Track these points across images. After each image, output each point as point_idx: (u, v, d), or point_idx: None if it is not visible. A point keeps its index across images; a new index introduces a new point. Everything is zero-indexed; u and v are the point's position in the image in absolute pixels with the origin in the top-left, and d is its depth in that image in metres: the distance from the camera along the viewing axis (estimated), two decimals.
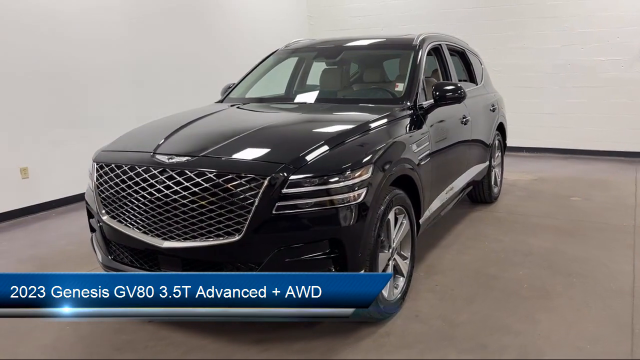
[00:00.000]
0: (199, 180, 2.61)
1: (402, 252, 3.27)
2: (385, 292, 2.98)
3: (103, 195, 2.95)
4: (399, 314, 3.12)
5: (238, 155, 2.73)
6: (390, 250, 3.05)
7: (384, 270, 2.99)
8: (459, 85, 3.77)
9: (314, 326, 2.98)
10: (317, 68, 4.50)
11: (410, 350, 2.75)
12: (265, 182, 2.52)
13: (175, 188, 2.65)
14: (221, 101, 4.22)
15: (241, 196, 2.54)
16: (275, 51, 4.61)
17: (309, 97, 4.22)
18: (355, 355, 2.70)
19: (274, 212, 2.52)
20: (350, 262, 2.63)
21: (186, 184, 2.63)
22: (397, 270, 3.21)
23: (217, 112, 3.71)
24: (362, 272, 2.70)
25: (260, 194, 2.51)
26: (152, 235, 2.75)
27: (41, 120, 5.51)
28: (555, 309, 3.17)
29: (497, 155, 5.58)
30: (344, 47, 4.47)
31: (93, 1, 5.91)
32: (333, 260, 2.63)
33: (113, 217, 2.92)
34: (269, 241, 2.55)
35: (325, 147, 2.76)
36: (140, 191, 2.75)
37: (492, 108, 5.21)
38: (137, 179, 2.77)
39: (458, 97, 3.74)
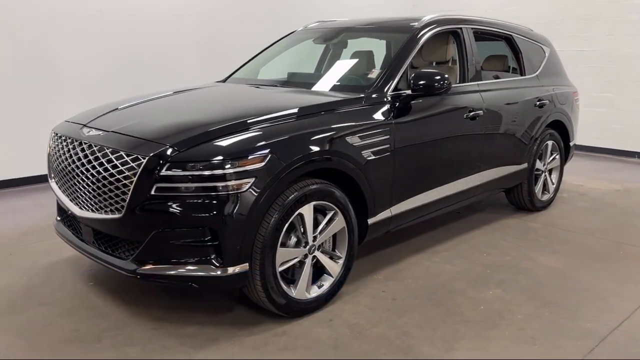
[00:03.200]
0: (98, 154, 2.72)
1: (335, 252, 3.07)
2: (292, 290, 2.84)
3: (51, 162, 3.21)
4: (314, 315, 2.94)
5: (135, 133, 2.77)
6: (308, 247, 2.87)
7: (289, 268, 2.84)
8: (443, 75, 3.36)
9: (222, 314, 2.95)
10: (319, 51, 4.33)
11: (291, 352, 2.60)
12: (144, 162, 2.53)
13: (82, 160, 2.79)
14: (223, 80, 4.28)
15: (125, 174, 2.59)
16: (292, 32, 4.52)
17: (278, 80, 3.98)
18: (232, 348, 2.63)
19: (152, 192, 2.53)
20: (227, 254, 2.55)
21: (90, 157, 2.76)
22: (323, 270, 3.02)
23: (188, 90, 3.76)
24: (244, 266, 2.60)
25: (138, 173, 2.53)
26: (74, 203, 2.93)
27: None
28: (489, 338, 2.73)
29: (551, 157, 4.88)
30: (341, 30, 4.23)
31: None
32: (215, 248, 2.57)
33: (56, 183, 3.17)
34: (148, 222, 2.57)
35: (227, 131, 2.68)
36: (66, 160, 2.94)
37: (538, 103, 4.54)
38: (66, 149, 2.97)
39: (438, 88, 3.34)
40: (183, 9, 6.48)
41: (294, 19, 6.68)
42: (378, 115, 3.20)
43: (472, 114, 3.83)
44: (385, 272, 3.52)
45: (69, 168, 2.91)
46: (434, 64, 4.48)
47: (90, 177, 2.74)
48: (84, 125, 3.03)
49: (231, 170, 2.51)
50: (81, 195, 2.83)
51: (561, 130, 4.96)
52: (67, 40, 5.63)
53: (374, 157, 3.11)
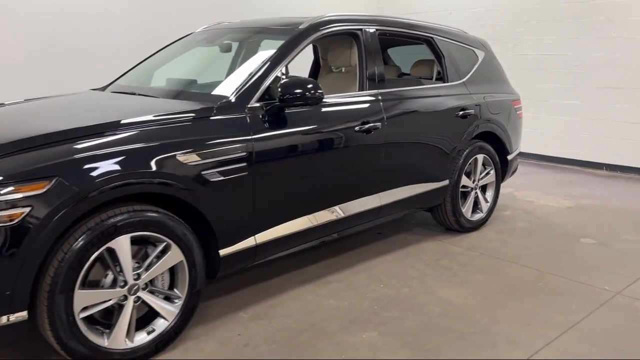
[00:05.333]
0: None
1: (173, 291, 2.63)
2: (105, 339, 2.39)
3: None
4: None
5: None
6: (128, 287, 2.43)
7: (108, 309, 2.41)
8: (315, 84, 2.92)
9: None
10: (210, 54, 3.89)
11: None
12: None
13: None
14: (101, 89, 3.84)
15: None
16: (187, 35, 4.09)
17: (154, 89, 3.52)
18: None
19: None
20: (2, 301, 2.11)
21: None
22: (155, 312, 2.58)
23: (37, 99, 3.35)
24: (20, 315, 2.15)
25: None
26: None
27: None
28: None
29: (483, 173, 4.40)
30: (227, 32, 3.79)
31: None
32: None
33: None
34: None
35: (12, 149, 2.25)
36: None
37: (461, 113, 4.06)
38: None
39: (309, 98, 2.90)
40: (109, 8, 6.06)
41: (231, 17, 6.23)
42: (230, 129, 2.75)
43: (367, 126, 3.37)
44: (255, 309, 3.07)
45: None
46: (342, 70, 4.04)
47: None
48: None
49: (5, 198, 2.07)
50: None
51: (496, 143, 4.48)
52: None
53: (222, 178, 2.66)
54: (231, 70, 3.56)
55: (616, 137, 6.63)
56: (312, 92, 2.89)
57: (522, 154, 7.52)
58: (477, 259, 3.84)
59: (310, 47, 4.18)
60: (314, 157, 3.12)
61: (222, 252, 2.75)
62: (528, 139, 7.42)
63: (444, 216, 4.23)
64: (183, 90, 3.24)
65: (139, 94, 3.29)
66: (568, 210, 5.04)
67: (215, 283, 3.24)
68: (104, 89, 3.76)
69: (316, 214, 3.19)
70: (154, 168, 2.43)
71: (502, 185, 5.70)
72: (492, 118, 4.36)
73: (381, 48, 3.67)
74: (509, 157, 4.61)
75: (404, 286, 3.39)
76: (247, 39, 3.73)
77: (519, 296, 3.25)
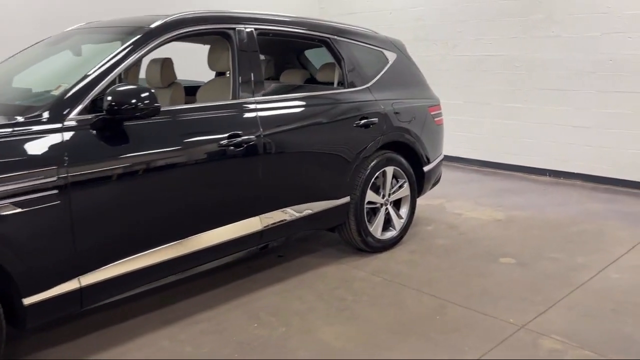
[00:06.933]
0: None
1: None
2: None
3: None
4: None
5: None
6: None
7: None
8: (150, 92, 2.46)
9: None
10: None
11: None
12: None
13: None
14: None
15: None
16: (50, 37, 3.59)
17: None
18: None
19: None
20: None
21: None
22: None
23: None
24: None
25: None
26: None
27: None
28: None
29: (396, 186, 3.98)
30: (74, 33, 3.32)
31: None
32: None
33: None
34: None
35: None
36: None
37: (362, 122, 3.63)
38: None
39: (142, 109, 2.43)
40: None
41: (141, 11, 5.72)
42: (36, 149, 2.27)
43: (238, 140, 2.91)
44: None
45: None
46: (227, 75, 3.58)
47: None
48: None
49: None
50: None
51: (409, 153, 4.06)
52: None
53: (19, 211, 2.18)
54: (69, 77, 3.06)
55: (560, 141, 6.27)
56: (143, 102, 2.42)
57: (463, 161, 7.17)
58: (378, 286, 3.40)
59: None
60: (159, 179, 2.65)
61: (28, 300, 2.26)
62: (470, 144, 7.07)
63: (349, 236, 3.79)
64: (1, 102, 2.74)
65: None
66: (496, 224, 4.63)
67: (64, 325, 2.77)
68: None
69: (167, 246, 2.71)
70: None
71: (433, 196, 5.33)
72: (402, 126, 3.93)
73: (289, 50, 3.24)
74: (426, 169, 4.19)
75: (282, 325, 2.93)
76: (99, 41, 3.25)
77: (408, 334, 2.82)
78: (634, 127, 5.65)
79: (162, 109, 2.60)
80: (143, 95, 2.43)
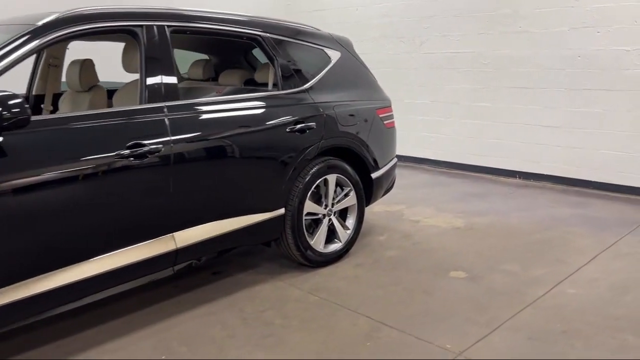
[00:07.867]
0: None
1: None
2: None
3: None
4: None
5: None
6: None
7: None
8: (19, 100, 2.14)
9: None
10: None
11: None
12: None
13: None
14: None
15: None
16: None
17: None
18: None
19: None
20: None
21: None
22: None
23: None
24: None
25: None
26: None
27: None
28: None
29: (341, 195, 3.70)
30: None
31: None
32: None
33: None
34: None
35: None
36: None
37: (296, 127, 3.34)
38: None
39: (8, 118, 2.12)
40: None
41: None
42: None
43: (141, 150, 2.61)
44: None
45: None
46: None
47: None
48: None
49: None
50: None
51: (355, 160, 3.77)
52: None
53: None
54: None
55: (529, 141, 6.01)
56: (11, 111, 2.12)
57: (431, 162, 6.89)
58: (312, 307, 3.12)
59: None
60: (36, 198, 2.33)
61: None
62: (438, 145, 6.80)
63: (287, 250, 3.50)
64: None
65: None
66: (454, 232, 4.36)
67: None
68: None
69: (52, 273, 2.41)
70: None
71: (393, 201, 5.07)
72: (346, 131, 3.65)
73: (234, 50, 2.95)
74: (374, 175, 3.90)
75: (195, 354, 2.64)
76: None
77: None
78: (605, 126, 5.40)
79: (49, 118, 2.30)
80: (10, 103, 2.12)
